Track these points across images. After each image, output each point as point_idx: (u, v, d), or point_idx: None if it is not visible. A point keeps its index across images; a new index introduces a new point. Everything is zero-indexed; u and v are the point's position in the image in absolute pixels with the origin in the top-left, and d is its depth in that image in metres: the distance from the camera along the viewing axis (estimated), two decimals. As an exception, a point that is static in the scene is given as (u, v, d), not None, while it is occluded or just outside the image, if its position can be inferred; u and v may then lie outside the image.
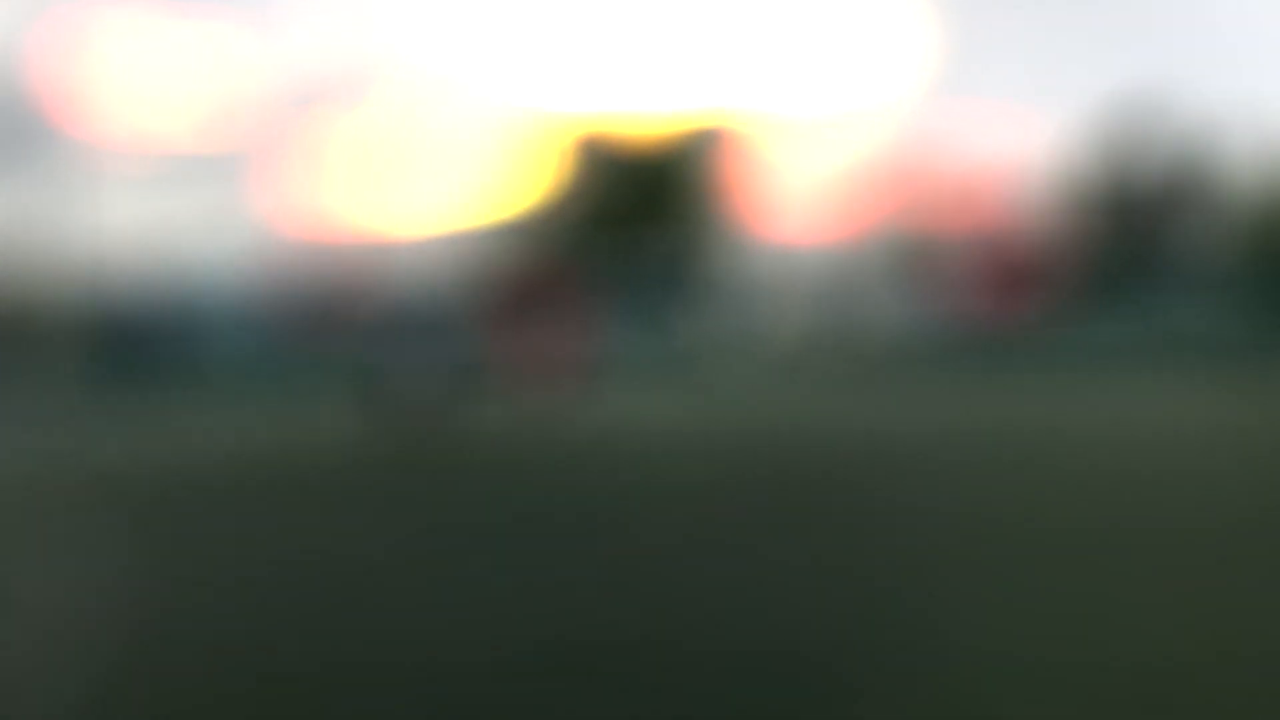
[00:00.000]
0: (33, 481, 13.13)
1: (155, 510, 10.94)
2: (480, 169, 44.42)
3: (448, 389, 13.10)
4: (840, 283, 33.42)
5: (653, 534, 9.02)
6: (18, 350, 27.56)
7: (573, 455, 13.61)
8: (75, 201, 35.99)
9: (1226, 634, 5.87)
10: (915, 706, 4.97)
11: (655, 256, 39.91)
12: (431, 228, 42.50)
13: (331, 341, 27.08)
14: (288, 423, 14.44)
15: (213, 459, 13.70)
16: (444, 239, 39.94)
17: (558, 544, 8.78)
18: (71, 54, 41.08)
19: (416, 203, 41.88)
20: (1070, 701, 4.94)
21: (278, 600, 7.48)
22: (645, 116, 44.57)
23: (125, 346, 27.80)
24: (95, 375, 26.69)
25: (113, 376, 26.73)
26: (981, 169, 42.10)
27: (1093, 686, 5.16)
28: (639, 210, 41.73)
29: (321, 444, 15.11)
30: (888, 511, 9.63)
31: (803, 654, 5.87)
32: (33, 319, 28.26)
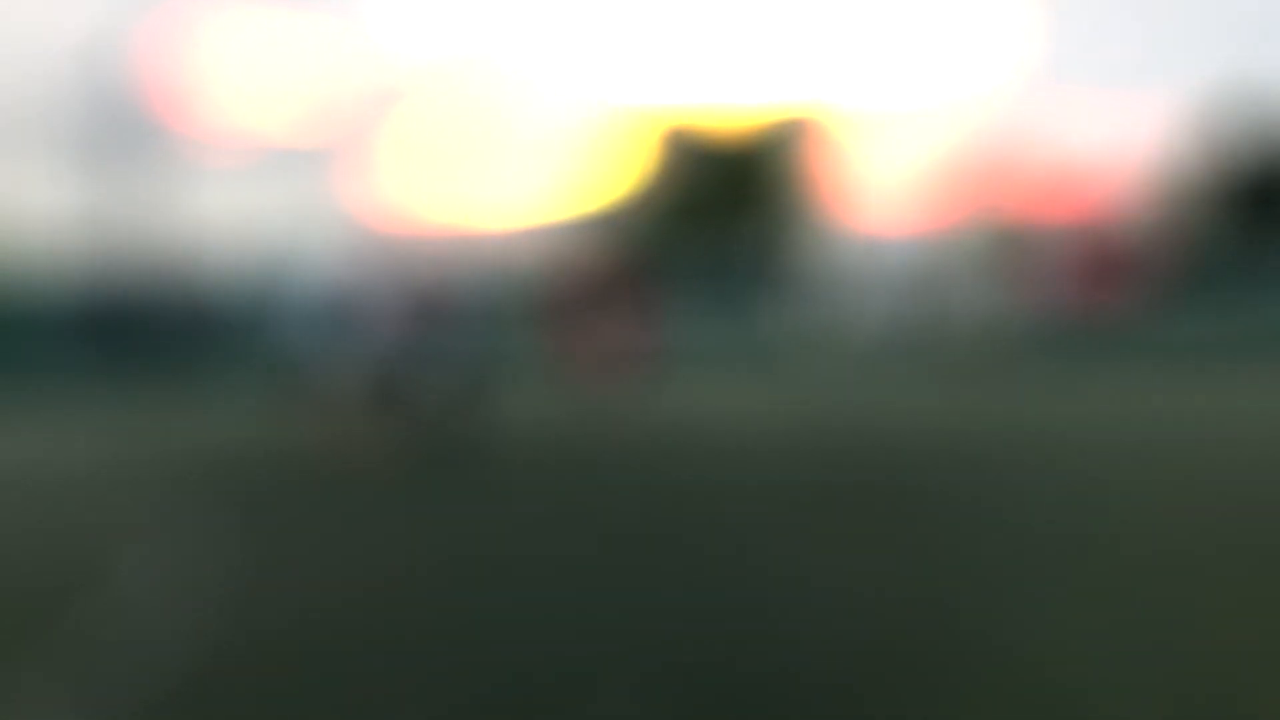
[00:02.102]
0: (135, 465, 13.17)
1: (254, 496, 10.90)
2: (566, 162, 44.43)
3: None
4: (929, 275, 33.09)
5: (731, 525, 8.86)
6: (118, 336, 27.81)
7: (654, 449, 13.47)
8: (173, 193, 36.31)
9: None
10: (991, 702, 4.78)
11: (741, 248, 39.72)
12: (518, 221, 42.53)
13: (416, 334, 27.15)
14: (384, 411, 14.44)
15: (299, 447, 13.66)
16: (530, 232, 39.96)
17: (638, 534, 8.64)
18: (170, 48, 41.48)
19: (503, 196, 41.96)
20: (1152, 709, 4.72)
21: (365, 585, 7.39)
22: (732, 108, 44.40)
23: (213, 335, 27.99)
24: (186, 362, 26.89)
25: (203, 363, 26.91)
26: (1077, 159, 41.60)
27: (1177, 699, 4.93)
28: (725, 202, 41.58)
29: (402, 435, 15.05)
30: (970, 506, 9.40)
31: (878, 647, 5.68)
32: (132, 306, 28.50)
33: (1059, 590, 6.91)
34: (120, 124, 38.40)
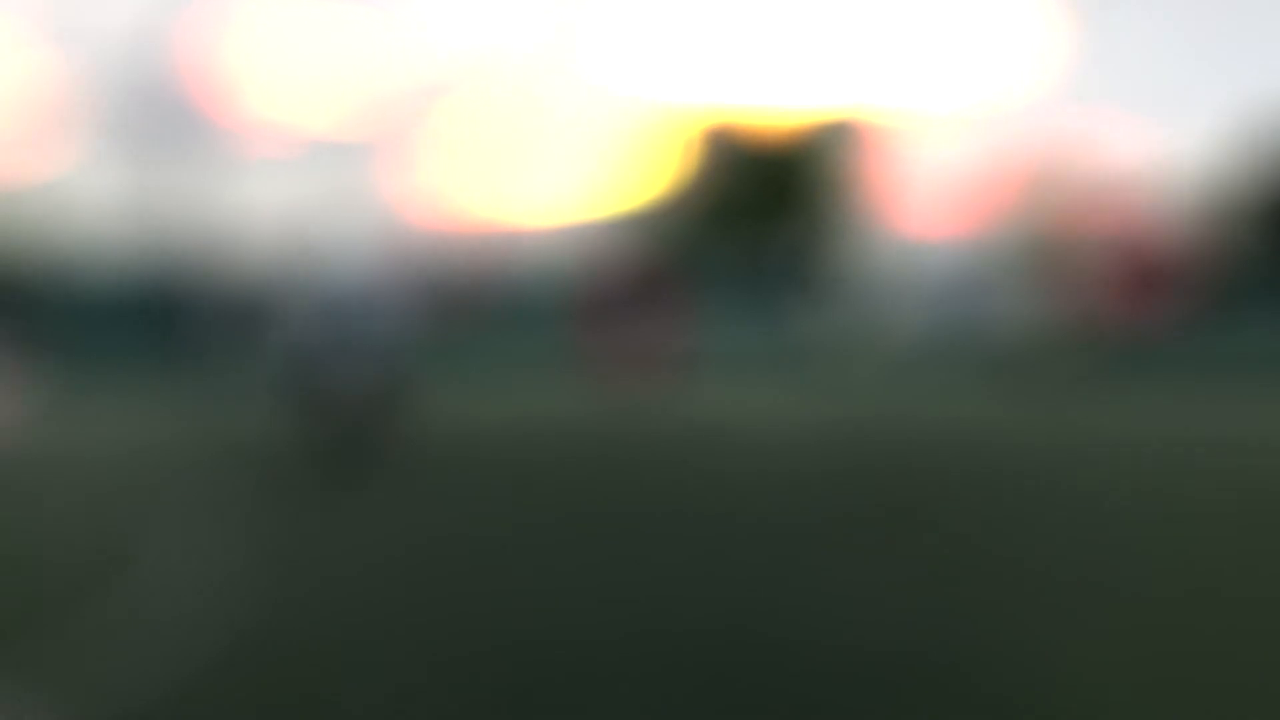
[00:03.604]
0: (173, 450, 13.26)
1: (277, 483, 10.96)
2: (606, 160, 44.45)
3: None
4: (967, 281, 32.99)
5: (757, 529, 8.88)
6: (165, 324, 27.95)
7: (686, 450, 13.48)
8: (217, 185, 36.48)
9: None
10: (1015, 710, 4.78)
11: (778, 251, 39.68)
12: (558, 218, 42.57)
13: (455, 327, 27.21)
14: (415, 405, 14.51)
15: (317, 437, 13.73)
16: (568, 230, 40.00)
17: (663, 533, 8.66)
18: (216, 40, 41.68)
19: (543, 193, 42.00)
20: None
21: (396, 571, 7.44)
22: (773, 109, 44.34)
23: (251, 325, 28.12)
24: (232, 351, 27.02)
25: (242, 353, 27.04)
26: (1117, 170, 41.46)
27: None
28: (764, 204, 41.51)
29: (438, 428, 15.12)
30: (1000, 519, 9.40)
31: (899, 651, 5.70)
32: (178, 296, 28.64)
33: (1087, 607, 6.91)
34: (166, 116, 38.61)
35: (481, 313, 28.08)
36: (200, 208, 35.36)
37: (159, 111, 38.62)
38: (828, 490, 10.73)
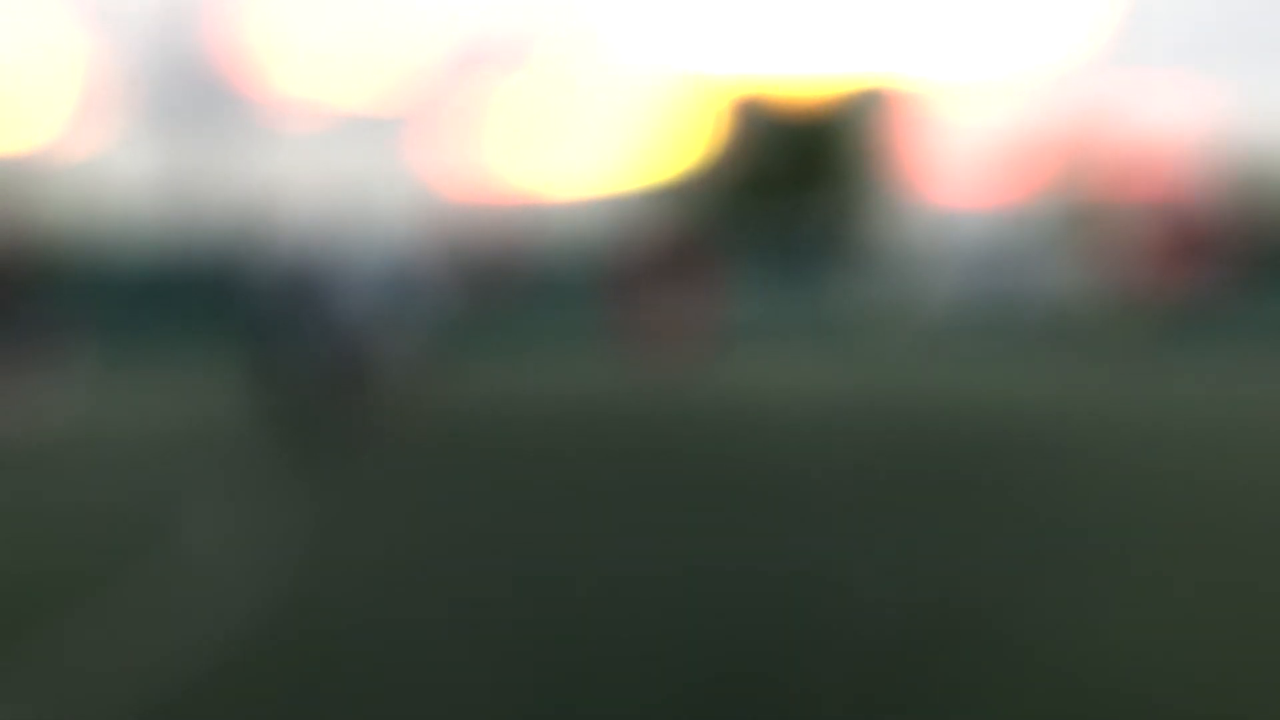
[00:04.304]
0: (212, 426, 13.31)
1: (320, 458, 10.99)
2: (638, 132, 44.30)
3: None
4: (1003, 250, 32.83)
5: (791, 499, 8.86)
6: (198, 304, 28.02)
7: (721, 422, 13.46)
8: (250, 159, 36.56)
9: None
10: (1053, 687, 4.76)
11: (811, 222, 39.58)
12: (590, 191, 42.56)
13: (487, 301, 27.23)
14: (439, 381, 14.52)
15: (357, 412, 13.74)
16: (602, 202, 39.97)
17: (700, 503, 8.65)
18: (248, 13, 41.72)
19: (575, 166, 41.91)
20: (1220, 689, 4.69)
21: (429, 547, 7.44)
22: (804, 78, 44.17)
23: (290, 302, 28.14)
24: (267, 329, 27.06)
25: (283, 330, 27.05)
26: (1156, 136, 41.16)
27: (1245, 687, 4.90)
28: (797, 174, 41.38)
29: (469, 403, 15.13)
30: (1031, 486, 9.35)
31: (926, 626, 5.67)
32: (215, 270, 28.72)
33: (1118, 576, 6.88)
34: (199, 94, 38.67)
35: (514, 287, 28.06)
36: (234, 185, 35.45)
37: (192, 90, 38.69)
38: (863, 460, 10.70)
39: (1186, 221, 32.75)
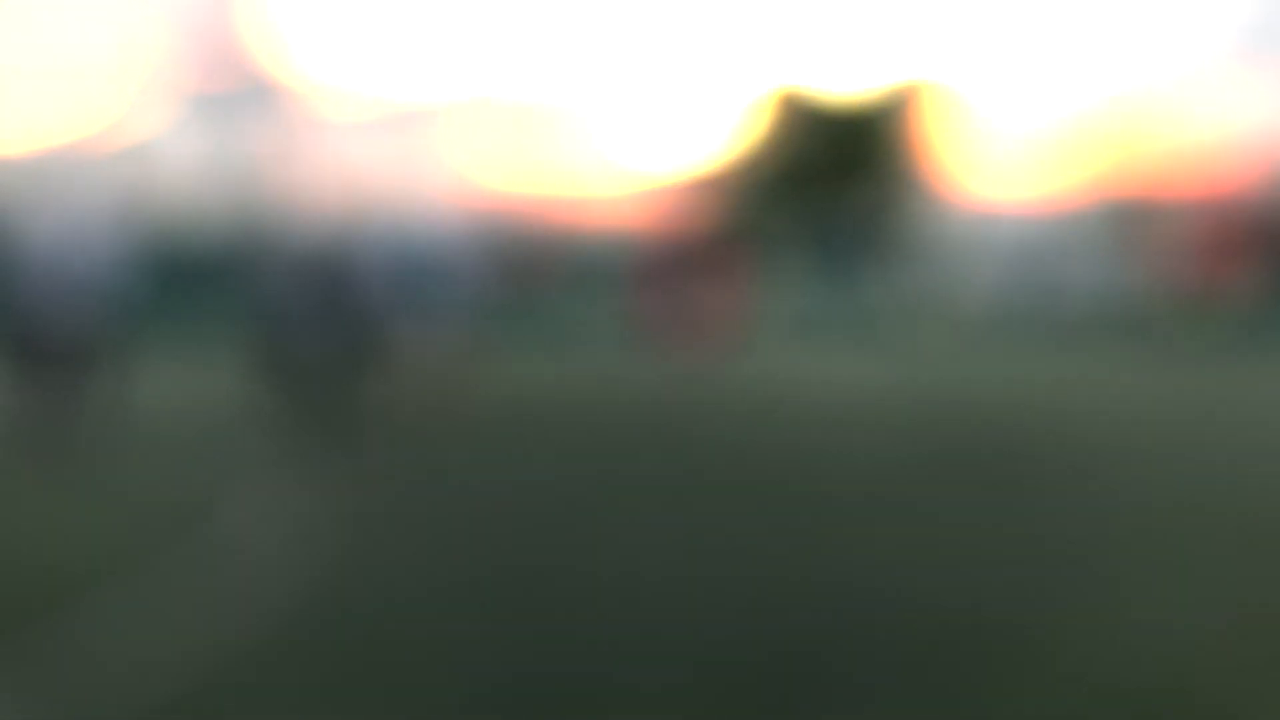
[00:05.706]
0: (255, 409, 13.39)
1: (357, 444, 11.04)
2: (675, 125, 44.27)
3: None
4: (1045, 247, 32.72)
5: (827, 493, 8.86)
6: (244, 288, 28.13)
7: (753, 413, 13.47)
8: (292, 148, 36.68)
9: None
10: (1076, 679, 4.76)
11: (850, 215, 39.51)
12: (626, 184, 42.60)
13: (524, 291, 27.28)
14: (479, 369, 14.57)
15: (417, 398, 13.81)
16: (638, 195, 40.00)
17: (734, 496, 8.66)
18: (291, 6, 41.90)
19: (609, 158, 41.94)
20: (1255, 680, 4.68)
21: (464, 532, 7.48)
22: (845, 72, 44.10)
23: (334, 289, 28.26)
24: (310, 315, 27.17)
25: (324, 316, 27.17)
26: (1205, 133, 40.92)
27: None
28: (836, 168, 41.31)
29: (505, 390, 15.16)
30: (1073, 486, 9.34)
31: (966, 621, 5.67)
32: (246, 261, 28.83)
33: (1155, 572, 6.87)
34: (244, 82, 38.83)
35: (550, 277, 28.09)
36: (279, 172, 35.58)
37: (237, 78, 38.86)
38: (898, 455, 10.69)
39: (1235, 219, 32.52)
